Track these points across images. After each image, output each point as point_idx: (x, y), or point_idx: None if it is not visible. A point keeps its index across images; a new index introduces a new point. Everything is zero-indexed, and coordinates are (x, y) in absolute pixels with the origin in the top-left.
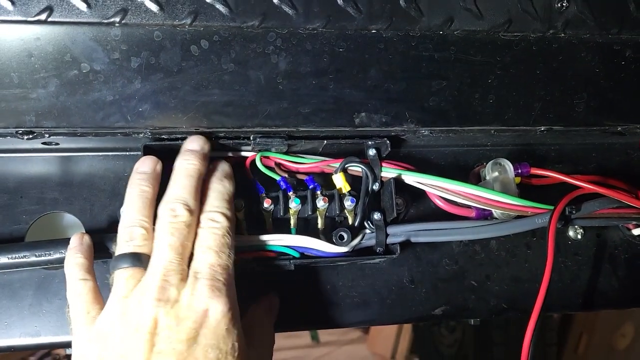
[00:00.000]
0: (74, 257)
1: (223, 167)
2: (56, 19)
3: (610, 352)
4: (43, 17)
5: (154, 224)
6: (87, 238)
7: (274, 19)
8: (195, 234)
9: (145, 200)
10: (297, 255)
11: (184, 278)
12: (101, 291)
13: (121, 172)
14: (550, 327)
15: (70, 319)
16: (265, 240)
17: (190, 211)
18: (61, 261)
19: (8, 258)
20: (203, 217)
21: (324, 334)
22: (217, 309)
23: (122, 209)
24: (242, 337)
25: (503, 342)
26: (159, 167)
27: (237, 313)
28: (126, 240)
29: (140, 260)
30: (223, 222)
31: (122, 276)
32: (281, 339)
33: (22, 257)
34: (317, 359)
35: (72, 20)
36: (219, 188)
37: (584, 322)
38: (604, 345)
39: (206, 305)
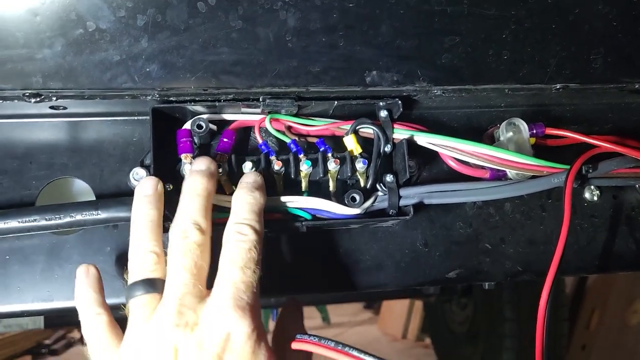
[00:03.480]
0: (85, 293)
1: (254, 178)
2: None
3: (622, 328)
4: None
5: (164, 247)
6: (92, 270)
7: None
8: (210, 249)
9: (151, 224)
10: (309, 217)
11: (202, 299)
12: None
13: (130, 136)
14: (562, 303)
15: (90, 356)
16: (277, 202)
17: (201, 230)
18: (72, 225)
19: (19, 222)
20: (229, 230)
21: (335, 315)
22: (240, 331)
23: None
24: (271, 357)
25: (514, 318)
26: (160, 187)
27: (262, 333)
28: (137, 268)
29: (154, 286)
30: (250, 236)
31: (137, 304)
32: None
33: (32, 221)
34: None
35: None
36: (249, 199)
37: (596, 298)
38: (616, 321)
39: (228, 327)
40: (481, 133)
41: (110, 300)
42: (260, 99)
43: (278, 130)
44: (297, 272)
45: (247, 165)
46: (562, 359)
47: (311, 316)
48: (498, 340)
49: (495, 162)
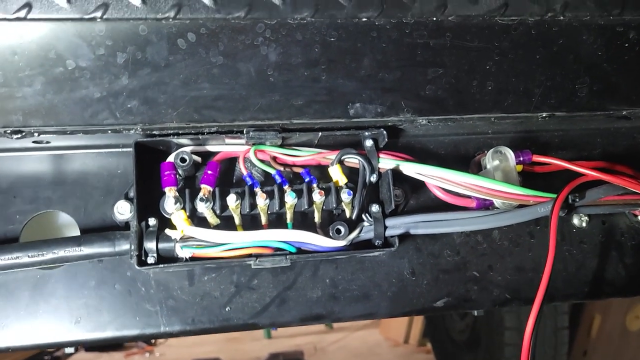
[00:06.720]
0: None
1: None
2: (36, 16)
3: (623, 334)
4: (22, 14)
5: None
6: None
7: (261, 10)
8: None
9: None
10: (293, 250)
11: None
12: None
13: (114, 169)
14: (562, 310)
15: None
16: (260, 237)
17: None
18: (55, 261)
19: (0, 260)
20: None
21: None
22: None
23: None
24: None
25: (515, 326)
26: None
27: None
28: None
29: None
30: None
31: None
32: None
33: (14, 259)
34: (332, 345)
35: (52, 16)
36: None
37: (596, 304)
38: (617, 327)
39: None
40: (469, 160)
41: (95, 334)
42: (244, 132)
43: (263, 161)
44: (283, 304)
45: (231, 198)
46: None
47: None
48: (498, 349)
49: (481, 191)
